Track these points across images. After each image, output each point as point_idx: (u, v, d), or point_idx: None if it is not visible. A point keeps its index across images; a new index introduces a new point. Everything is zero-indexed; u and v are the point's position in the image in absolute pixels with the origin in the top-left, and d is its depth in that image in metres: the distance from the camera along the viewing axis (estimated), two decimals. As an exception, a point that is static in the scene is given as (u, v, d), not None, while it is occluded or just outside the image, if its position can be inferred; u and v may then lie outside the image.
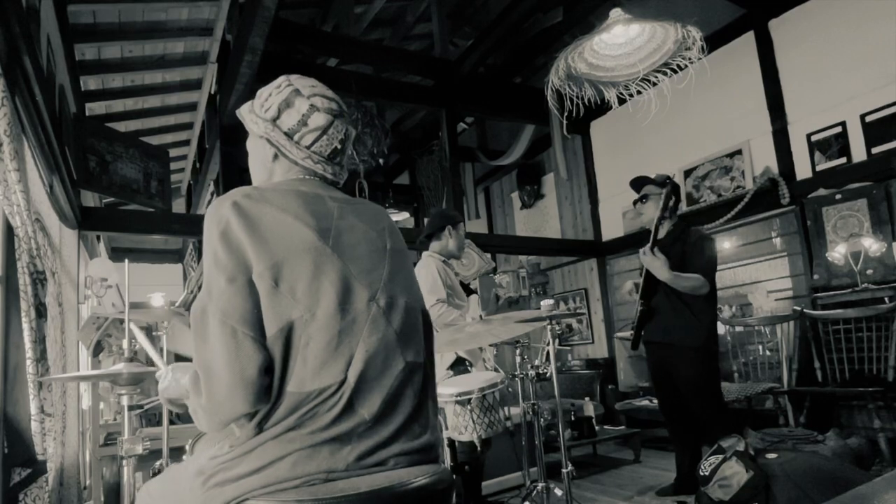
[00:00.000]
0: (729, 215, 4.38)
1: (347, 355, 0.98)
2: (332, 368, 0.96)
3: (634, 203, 3.17)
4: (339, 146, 1.18)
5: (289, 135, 1.14)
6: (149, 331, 4.12)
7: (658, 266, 2.86)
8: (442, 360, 2.87)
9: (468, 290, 3.08)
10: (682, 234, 3.02)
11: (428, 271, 2.86)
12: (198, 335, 0.98)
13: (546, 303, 2.39)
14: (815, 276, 3.88)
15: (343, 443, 0.96)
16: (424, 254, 3.03)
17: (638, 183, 3.15)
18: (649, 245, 2.91)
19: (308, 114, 1.13)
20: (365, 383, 0.98)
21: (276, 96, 1.15)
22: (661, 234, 3.04)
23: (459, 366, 2.82)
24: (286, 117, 1.14)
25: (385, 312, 1.05)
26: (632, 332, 3.15)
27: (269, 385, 0.95)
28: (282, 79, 1.18)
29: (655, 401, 4.40)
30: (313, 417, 0.95)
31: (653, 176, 3.15)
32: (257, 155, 1.21)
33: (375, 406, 0.99)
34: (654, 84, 3.22)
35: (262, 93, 1.19)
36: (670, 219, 3.08)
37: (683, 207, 4.79)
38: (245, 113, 1.20)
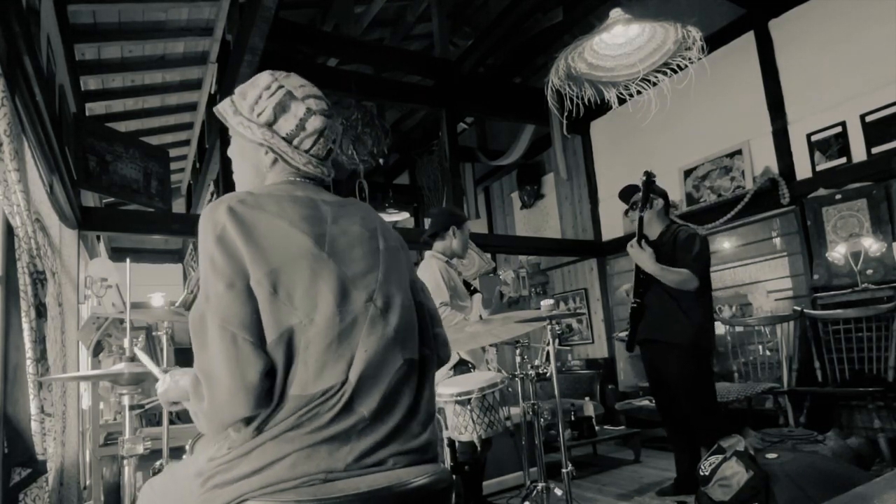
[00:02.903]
0: (729, 215, 4.38)
1: (348, 356, 0.99)
2: (333, 370, 0.97)
3: (626, 213, 3.21)
4: (332, 146, 1.18)
5: (288, 140, 1.12)
6: (149, 331, 4.12)
7: (644, 258, 2.92)
8: None
9: (471, 290, 3.07)
10: (674, 233, 3.04)
11: (431, 274, 2.84)
12: (197, 342, 0.98)
13: (546, 303, 2.39)
14: (815, 276, 3.88)
15: (342, 442, 0.96)
16: (427, 254, 3.01)
17: (627, 193, 3.18)
18: (636, 238, 2.96)
19: (305, 118, 1.12)
20: (364, 382, 0.99)
21: (269, 99, 1.11)
22: (654, 235, 3.07)
23: (462, 367, 2.82)
24: (283, 122, 1.12)
25: (382, 312, 1.05)
26: (627, 331, 3.16)
27: (269, 389, 0.96)
28: (268, 78, 1.14)
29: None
30: (313, 418, 0.96)
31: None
32: (249, 160, 1.18)
33: (374, 403, 0.99)
34: (654, 84, 3.22)
35: (247, 93, 1.14)
36: (660, 219, 3.09)
37: (683, 207, 4.80)
38: (229, 115, 1.16)
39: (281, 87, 1.12)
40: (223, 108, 1.17)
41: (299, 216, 1.05)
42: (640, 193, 2.96)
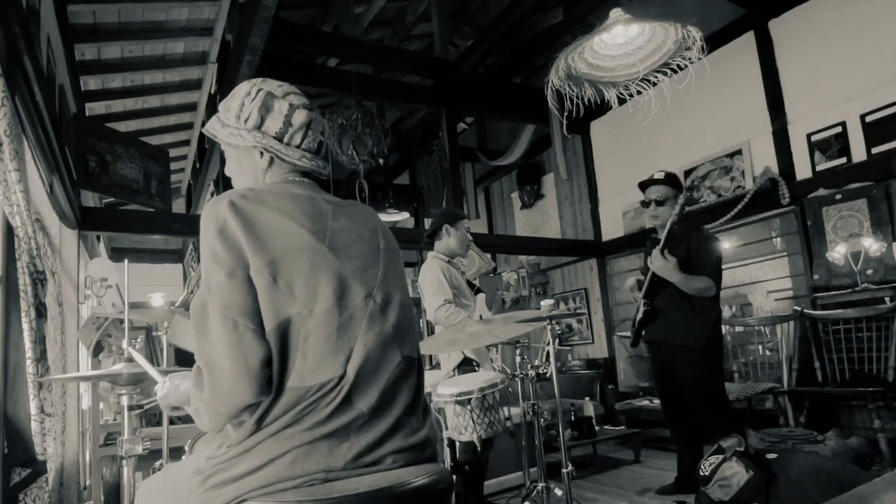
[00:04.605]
0: (729, 215, 4.38)
1: (347, 350, 1.00)
2: (331, 363, 0.98)
3: (647, 204, 3.09)
4: (321, 139, 1.20)
5: (278, 138, 1.15)
6: (149, 331, 4.12)
7: (669, 269, 2.87)
8: (449, 361, 2.87)
9: (474, 289, 3.07)
10: (686, 234, 3.01)
11: (432, 274, 2.86)
12: (199, 330, 0.98)
13: (546, 303, 2.39)
14: (815, 276, 3.88)
15: (341, 439, 0.97)
16: (429, 255, 3.03)
17: (649, 185, 3.10)
18: (660, 247, 2.90)
19: (290, 113, 1.15)
20: (363, 377, 1.00)
21: (252, 103, 1.14)
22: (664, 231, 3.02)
23: (466, 366, 2.82)
24: (270, 122, 1.14)
25: (381, 308, 1.07)
26: (632, 329, 3.15)
27: (270, 377, 0.97)
28: (247, 86, 1.17)
29: (656, 401, 4.42)
30: (311, 412, 0.96)
31: (659, 175, 3.10)
32: (247, 169, 1.20)
33: (373, 399, 1.00)
34: (654, 84, 3.21)
35: (230, 106, 1.17)
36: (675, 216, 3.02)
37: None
38: (218, 130, 1.18)
39: (260, 90, 1.15)
40: (212, 127, 1.20)
41: (300, 212, 1.07)
42: (677, 206, 2.88)
